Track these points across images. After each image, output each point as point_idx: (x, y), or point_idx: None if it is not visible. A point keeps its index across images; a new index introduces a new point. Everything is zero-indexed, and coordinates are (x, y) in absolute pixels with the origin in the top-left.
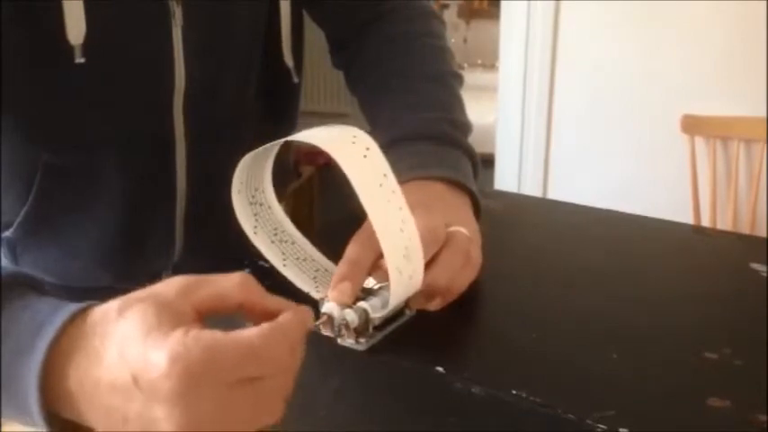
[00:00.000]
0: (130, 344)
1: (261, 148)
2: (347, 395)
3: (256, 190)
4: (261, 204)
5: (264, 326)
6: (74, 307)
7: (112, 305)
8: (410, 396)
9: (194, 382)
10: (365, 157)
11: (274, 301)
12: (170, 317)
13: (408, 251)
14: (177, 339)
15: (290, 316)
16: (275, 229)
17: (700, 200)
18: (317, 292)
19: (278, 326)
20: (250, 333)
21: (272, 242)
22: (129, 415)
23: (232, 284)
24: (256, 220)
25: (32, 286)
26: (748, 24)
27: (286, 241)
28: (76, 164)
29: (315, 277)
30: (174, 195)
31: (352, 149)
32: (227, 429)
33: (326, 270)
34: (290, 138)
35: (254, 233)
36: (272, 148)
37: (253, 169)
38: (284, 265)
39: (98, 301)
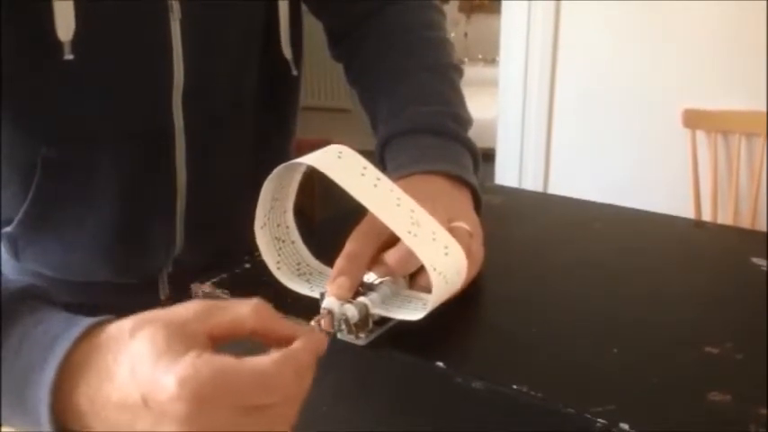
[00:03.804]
0: (142, 364)
1: (280, 169)
2: (348, 391)
3: (278, 226)
4: (284, 241)
5: (276, 355)
6: (86, 322)
7: (126, 324)
8: (411, 391)
9: (203, 405)
10: (339, 157)
11: (288, 326)
12: (182, 340)
13: (415, 218)
14: (188, 362)
15: (302, 344)
16: (298, 264)
17: (700, 194)
18: None
19: (289, 354)
20: (262, 361)
21: (297, 275)
22: None
23: (246, 311)
24: (279, 256)
25: (45, 299)
26: (749, 19)
27: (311, 273)
28: (76, 159)
29: None
30: (175, 190)
31: (325, 155)
32: None
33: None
34: (285, 164)
35: (278, 268)
36: (292, 175)
37: (275, 203)
38: (311, 290)
39: (111, 316)
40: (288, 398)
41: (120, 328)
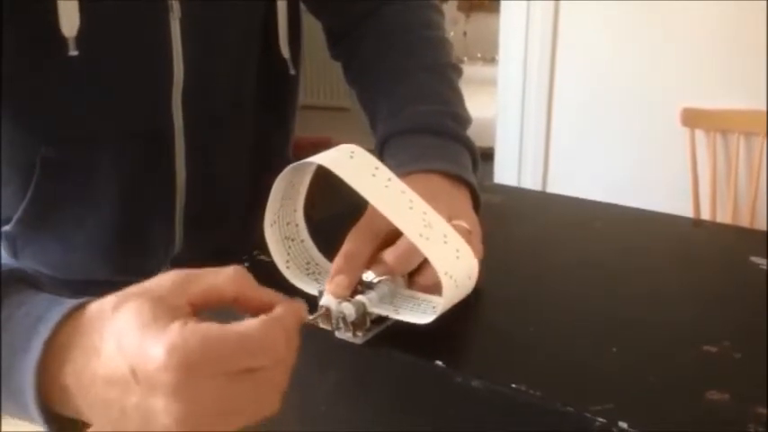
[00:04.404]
0: (128, 337)
1: (289, 168)
2: (347, 389)
3: (288, 224)
4: (293, 239)
5: (261, 318)
6: (70, 303)
7: (108, 301)
8: (410, 390)
9: (192, 373)
10: (351, 157)
11: (268, 293)
12: (166, 311)
13: (427, 220)
14: (175, 331)
15: (285, 308)
16: (308, 263)
17: (699, 193)
18: None
19: (274, 318)
20: (247, 325)
21: (306, 275)
22: (126, 408)
23: (225, 278)
24: (288, 255)
25: (30, 282)
26: (748, 17)
27: (320, 273)
28: (75, 158)
29: None
30: (174, 189)
31: (337, 155)
32: (225, 421)
33: None
34: (296, 163)
35: (287, 267)
36: (302, 174)
37: (285, 202)
38: (320, 292)
39: (95, 297)
40: (276, 361)
41: (102, 305)
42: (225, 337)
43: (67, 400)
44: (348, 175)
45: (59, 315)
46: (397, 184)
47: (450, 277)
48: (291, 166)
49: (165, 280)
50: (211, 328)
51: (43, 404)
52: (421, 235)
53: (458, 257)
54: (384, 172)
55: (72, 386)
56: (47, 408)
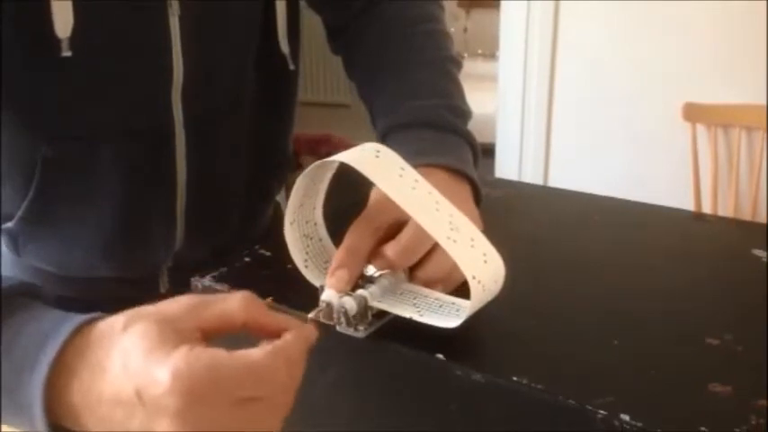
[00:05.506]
0: (134, 359)
1: (313, 166)
2: (348, 383)
3: (307, 222)
4: (311, 238)
5: (267, 347)
6: (79, 319)
7: (118, 319)
8: (411, 383)
9: (196, 398)
10: (377, 156)
11: (277, 319)
12: (174, 334)
13: (454, 223)
14: (181, 356)
15: (293, 336)
16: (326, 262)
17: (701, 187)
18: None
19: (280, 347)
20: (253, 354)
21: (325, 274)
22: (130, 429)
23: (236, 304)
24: (307, 254)
25: (38, 297)
26: (749, 12)
27: None
28: (76, 156)
29: None
30: (175, 186)
31: (363, 154)
32: None
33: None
34: (320, 161)
35: (305, 266)
36: (324, 172)
37: (305, 200)
38: (321, 287)
39: (104, 313)
40: (280, 389)
41: (111, 324)
42: (230, 365)
43: (73, 416)
44: (374, 175)
45: (69, 331)
46: (424, 185)
47: (479, 282)
48: (315, 164)
49: (177, 304)
50: (217, 354)
51: (50, 420)
52: (448, 238)
53: (485, 261)
54: (410, 172)
55: (78, 403)
56: (54, 423)
